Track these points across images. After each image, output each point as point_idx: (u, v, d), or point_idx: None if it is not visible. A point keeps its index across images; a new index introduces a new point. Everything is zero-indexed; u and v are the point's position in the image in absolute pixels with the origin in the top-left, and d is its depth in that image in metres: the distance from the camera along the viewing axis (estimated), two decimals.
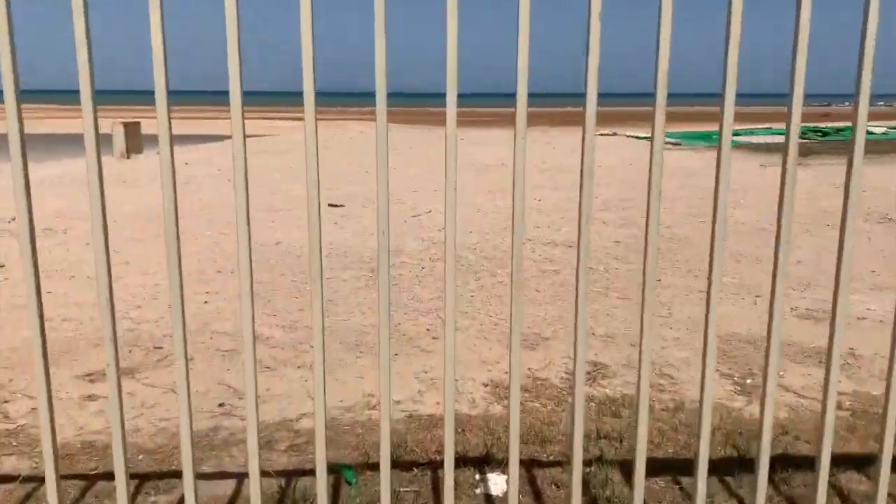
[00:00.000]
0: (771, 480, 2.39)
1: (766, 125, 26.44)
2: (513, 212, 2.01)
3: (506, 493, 2.44)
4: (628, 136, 23.11)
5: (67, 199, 9.49)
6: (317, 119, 1.89)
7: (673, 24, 1.86)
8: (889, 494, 2.21)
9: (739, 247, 6.98)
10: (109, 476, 2.21)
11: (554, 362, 4.03)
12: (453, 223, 1.95)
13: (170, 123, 1.87)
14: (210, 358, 4.09)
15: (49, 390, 1.96)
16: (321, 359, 2.00)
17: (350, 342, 4.38)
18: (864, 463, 2.73)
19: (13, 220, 6.94)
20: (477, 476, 2.70)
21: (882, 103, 61.26)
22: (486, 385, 3.70)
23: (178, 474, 2.22)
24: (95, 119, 1.82)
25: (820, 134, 22.91)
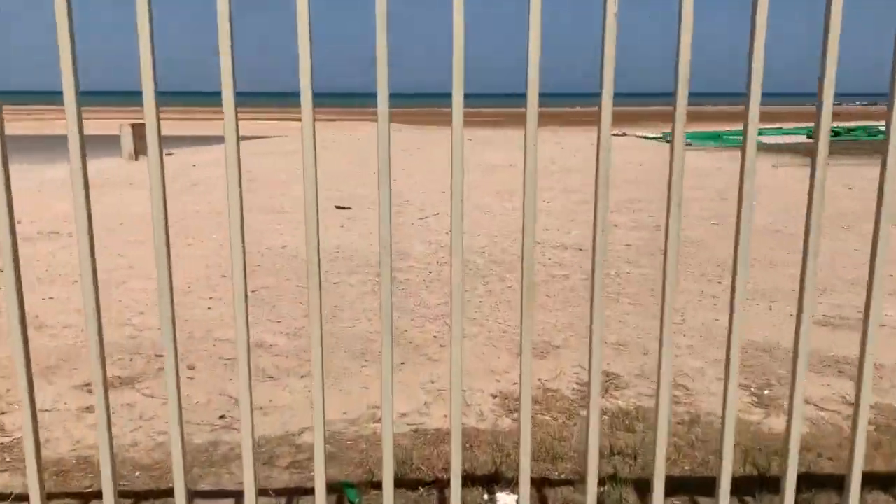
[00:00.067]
0: (795, 502, 2.27)
1: (777, 125, 26.16)
2: (523, 222, 1.90)
3: None
4: (638, 137, 22.97)
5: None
6: (314, 119, 1.80)
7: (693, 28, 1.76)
8: None
9: (752, 250, 6.83)
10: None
11: (565, 372, 3.92)
12: (459, 233, 1.84)
13: (158, 126, 1.77)
14: (212, 367, 4.00)
15: (35, 424, 1.87)
16: (319, 370, 1.90)
17: (355, 350, 4.27)
18: (890, 483, 2.61)
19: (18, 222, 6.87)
20: (486, 496, 2.59)
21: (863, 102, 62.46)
22: (494, 396, 3.59)
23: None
24: (80, 123, 1.73)
25: (831, 134, 22.64)
